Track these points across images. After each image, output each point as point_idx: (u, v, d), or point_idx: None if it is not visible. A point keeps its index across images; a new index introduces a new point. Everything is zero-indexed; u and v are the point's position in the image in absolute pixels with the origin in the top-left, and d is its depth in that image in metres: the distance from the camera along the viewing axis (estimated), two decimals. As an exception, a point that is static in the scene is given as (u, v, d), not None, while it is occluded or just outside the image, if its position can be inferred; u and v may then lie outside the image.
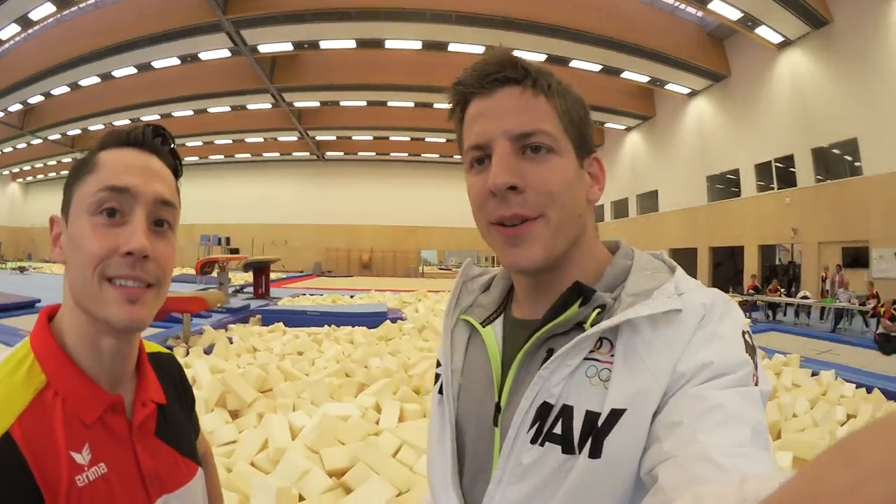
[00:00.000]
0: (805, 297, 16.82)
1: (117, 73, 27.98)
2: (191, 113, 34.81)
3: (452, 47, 24.86)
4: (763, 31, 21.70)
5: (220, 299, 10.19)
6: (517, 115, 0.85)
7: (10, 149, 42.70)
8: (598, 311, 0.84)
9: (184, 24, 22.88)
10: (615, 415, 0.76)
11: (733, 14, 20.56)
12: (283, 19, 22.41)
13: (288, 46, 25.27)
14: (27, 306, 13.57)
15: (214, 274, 15.76)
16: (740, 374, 0.74)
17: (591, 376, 0.81)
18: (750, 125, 24.70)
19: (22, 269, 33.43)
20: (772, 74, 23.47)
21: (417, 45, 25.18)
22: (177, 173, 1.01)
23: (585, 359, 0.82)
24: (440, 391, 1.01)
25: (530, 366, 0.87)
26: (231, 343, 8.30)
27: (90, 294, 0.87)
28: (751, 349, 0.79)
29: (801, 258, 23.11)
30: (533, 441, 0.82)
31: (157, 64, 26.91)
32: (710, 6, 20.28)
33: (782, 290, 18.94)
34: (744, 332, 0.80)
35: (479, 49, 24.41)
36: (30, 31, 23.72)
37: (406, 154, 46.18)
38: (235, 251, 23.81)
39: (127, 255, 0.87)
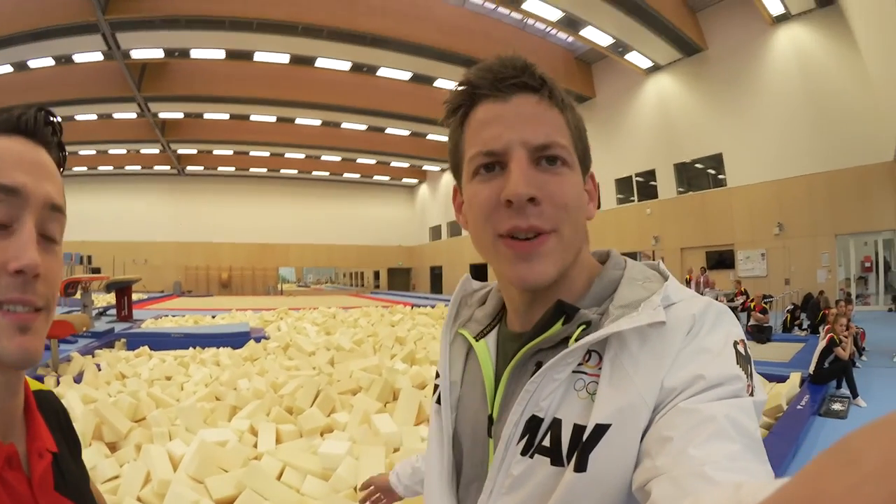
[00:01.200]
0: None
1: None
2: (59, 119, 32.79)
3: (320, 62, 24.91)
4: (633, 57, 23.10)
5: (86, 322, 9.77)
6: (536, 125, 0.83)
7: None
8: (582, 327, 0.83)
9: (62, 22, 21.61)
10: (600, 430, 0.75)
11: (605, 40, 21.63)
12: (160, 24, 21.68)
13: (159, 53, 24.48)
14: None
15: (78, 296, 15.02)
16: (732, 387, 0.72)
17: (580, 389, 0.80)
18: (612, 144, 26.46)
19: None
20: (637, 96, 25.45)
21: (286, 58, 25.06)
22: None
23: (574, 371, 0.81)
24: (438, 401, 1.00)
25: (520, 379, 0.87)
26: (99, 370, 7.99)
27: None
28: (743, 360, 0.76)
29: (662, 263, 24.93)
30: (523, 453, 0.82)
31: (32, 63, 25.33)
32: (582, 32, 21.19)
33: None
34: (735, 343, 0.78)
35: (346, 65, 24.77)
36: None
37: (265, 169, 45.55)
38: (97, 270, 22.75)
39: (17, 274, 0.71)
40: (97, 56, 24.59)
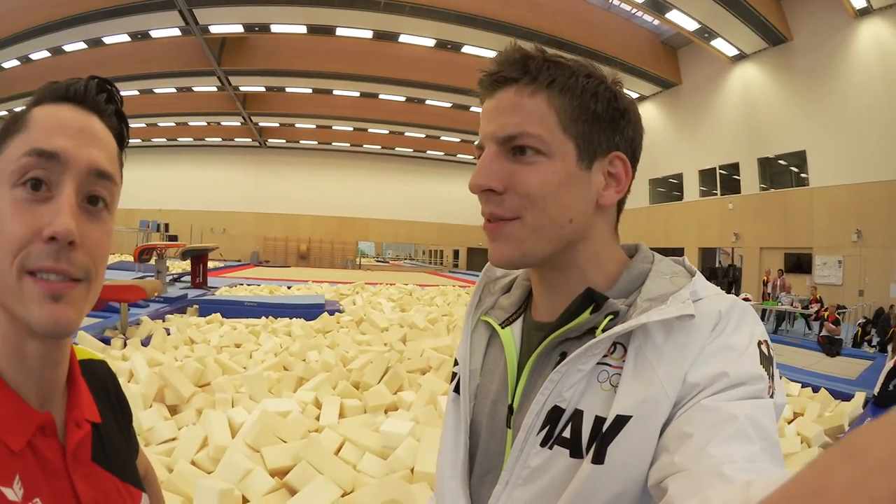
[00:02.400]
0: (746, 299, 17.04)
1: (68, 48, 27.08)
2: (136, 93, 33.84)
3: (403, 38, 24.79)
4: (719, 44, 22.20)
5: (158, 288, 9.94)
6: (506, 117, 0.84)
7: None
8: (610, 317, 0.83)
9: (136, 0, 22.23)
10: (620, 421, 0.75)
11: (691, 25, 20.89)
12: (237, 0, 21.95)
13: (239, 28, 24.77)
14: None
15: (152, 262, 15.35)
16: (755, 387, 0.73)
17: (603, 381, 0.80)
18: (697, 132, 25.53)
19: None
20: (723, 85, 24.29)
21: (368, 34, 24.95)
22: (122, 141, 0.83)
23: (598, 363, 0.81)
24: (455, 390, 1.01)
25: (543, 369, 0.88)
26: (168, 334, 8.04)
27: (8, 289, 0.70)
28: (766, 360, 0.78)
29: (741, 262, 23.96)
30: (542, 444, 0.82)
31: (107, 40, 26.10)
32: (668, 16, 20.57)
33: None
34: (760, 343, 0.79)
35: (430, 42, 24.42)
36: None
37: (348, 144, 45.71)
38: (174, 238, 23.31)
39: (50, 241, 0.69)
40: (175, 31, 25.11)
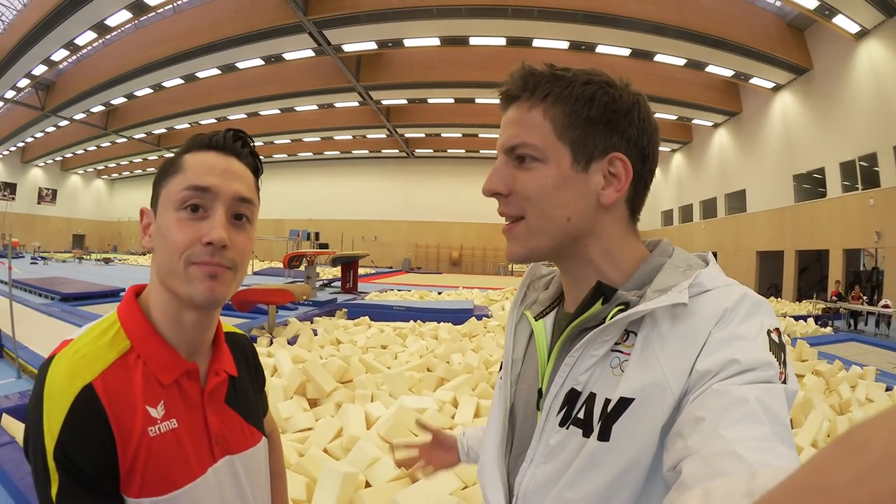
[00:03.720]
0: (886, 307, 15.65)
1: (201, 75, 28.87)
2: (278, 112, 35.59)
3: (536, 43, 24.41)
4: (840, 21, 20.26)
5: (306, 292, 10.38)
6: (510, 130, 0.96)
7: (93, 147, 45.13)
8: (620, 307, 0.89)
9: (264, 27, 23.37)
10: (623, 403, 0.81)
11: (810, 2, 19.25)
12: (365, 19, 22.50)
13: (372, 45, 25.33)
14: (111, 295, 14.41)
15: (302, 268, 16.05)
16: (765, 373, 0.75)
17: (615, 367, 0.86)
18: (834, 121, 22.95)
19: (107, 261, 35.21)
20: (852, 66, 21.81)
21: (501, 41, 24.82)
22: (257, 172, 1.12)
23: (612, 350, 0.88)
24: (501, 377, 1.09)
25: (565, 355, 0.93)
26: (315, 335, 8.35)
27: (176, 275, 0.99)
28: (777, 347, 0.79)
29: (884, 264, 21.34)
30: (561, 424, 0.89)
31: (240, 65, 27.57)
32: None
33: (864, 297, 17.96)
34: (770, 332, 0.81)
35: (564, 44, 24.03)
36: (107, 36, 24.58)
37: (495, 151, 45.61)
38: (325, 246, 24.23)
39: (207, 245, 0.98)
40: (308, 53, 26.06)
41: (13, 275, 11.19)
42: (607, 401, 0.83)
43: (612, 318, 0.87)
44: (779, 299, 23.04)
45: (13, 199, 48.16)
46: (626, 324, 0.87)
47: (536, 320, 1.06)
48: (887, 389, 7.10)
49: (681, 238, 38.13)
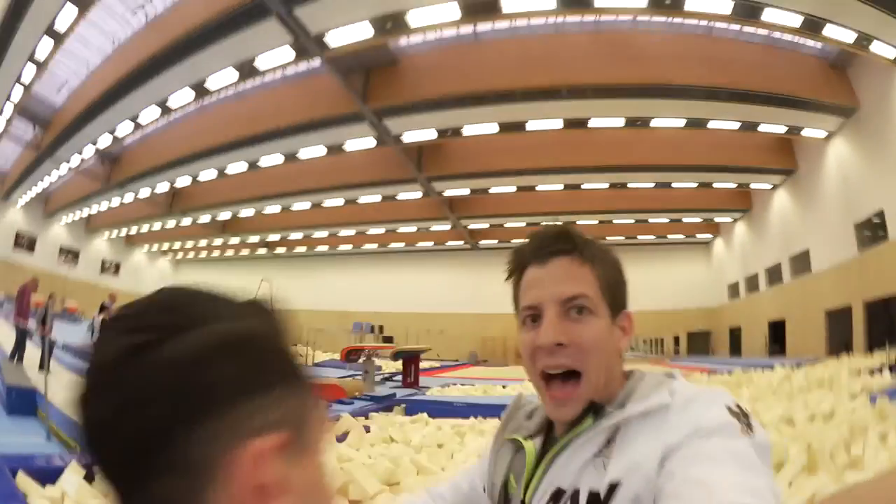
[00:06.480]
0: None
1: (264, 162, 29.62)
2: (342, 202, 36.11)
3: (593, 123, 24.50)
4: (877, 48, 19.11)
5: (360, 387, 10.08)
6: (565, 282, 1.04)
7: (158, 227, 45.98)
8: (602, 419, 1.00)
9: (325, 115, 23.94)
10: (612, 488, 0.89)
11: (848, 36, 18.48)
12: (423, 107, 22.90)
13: (432, 134, 25.73)
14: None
15: (360, 362, 15.83)
16: (727, 430, 0.84)
17: (598, 467, 0.95)
18: (886, 159, 21.55)
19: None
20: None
21: (559, 123, 24.89)
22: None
23: (595, 456, 0.97)
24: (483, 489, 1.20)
25: (554, 464, 1.04)
26: (367, 431, 8.09)
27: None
28: (737, 414, 0.87)
29: None
30: None
31: (303, 153, 28.22)
32: (824, 32, 18.37)
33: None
34: (728, 405, 0.89)
35: (620, 121, 24.17)
36: (170, 117, 25.57)
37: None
38: (389, 339, 24.04)
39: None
40: (370, 142, 26.63)
41: (56, 337, 12.09)
42: (592, 493, 0.92)
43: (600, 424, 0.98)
44: (850, 354, 21.04)
45: (75, 263, 47.96)
46: (612, 430, 0.96)
47: (525, 440, 1.13)
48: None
49: (747, 310, 37.78)
